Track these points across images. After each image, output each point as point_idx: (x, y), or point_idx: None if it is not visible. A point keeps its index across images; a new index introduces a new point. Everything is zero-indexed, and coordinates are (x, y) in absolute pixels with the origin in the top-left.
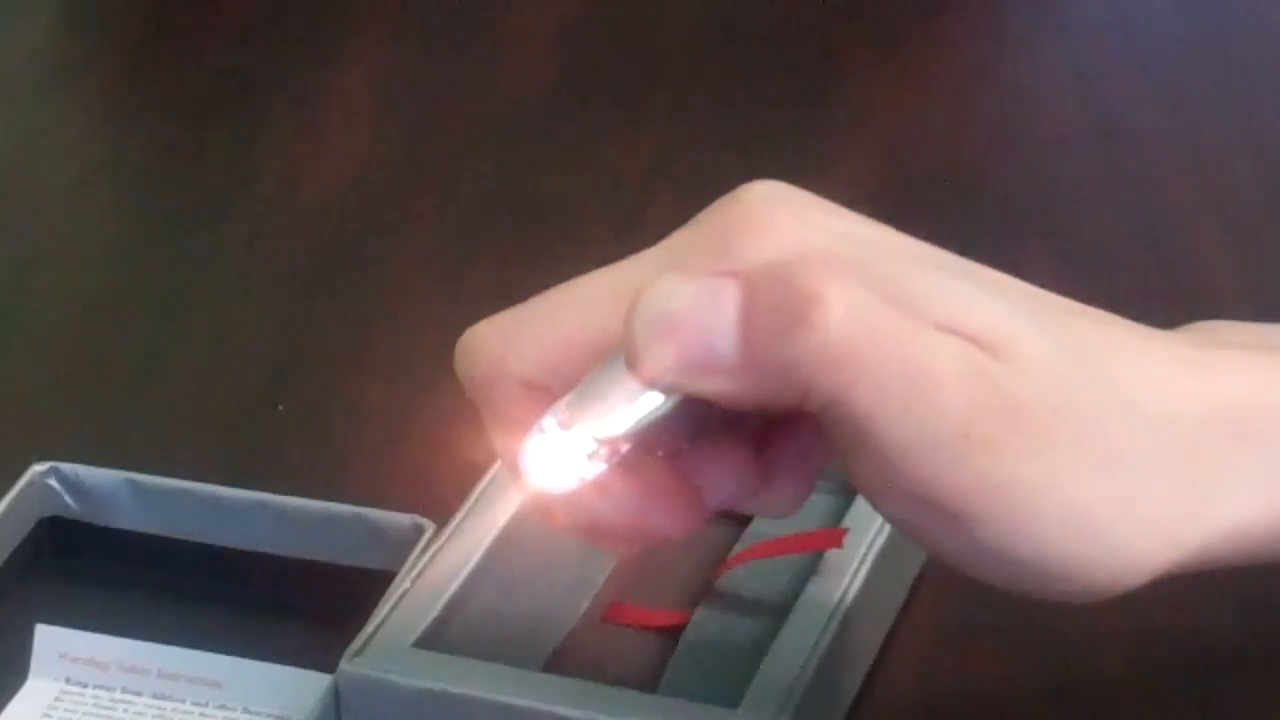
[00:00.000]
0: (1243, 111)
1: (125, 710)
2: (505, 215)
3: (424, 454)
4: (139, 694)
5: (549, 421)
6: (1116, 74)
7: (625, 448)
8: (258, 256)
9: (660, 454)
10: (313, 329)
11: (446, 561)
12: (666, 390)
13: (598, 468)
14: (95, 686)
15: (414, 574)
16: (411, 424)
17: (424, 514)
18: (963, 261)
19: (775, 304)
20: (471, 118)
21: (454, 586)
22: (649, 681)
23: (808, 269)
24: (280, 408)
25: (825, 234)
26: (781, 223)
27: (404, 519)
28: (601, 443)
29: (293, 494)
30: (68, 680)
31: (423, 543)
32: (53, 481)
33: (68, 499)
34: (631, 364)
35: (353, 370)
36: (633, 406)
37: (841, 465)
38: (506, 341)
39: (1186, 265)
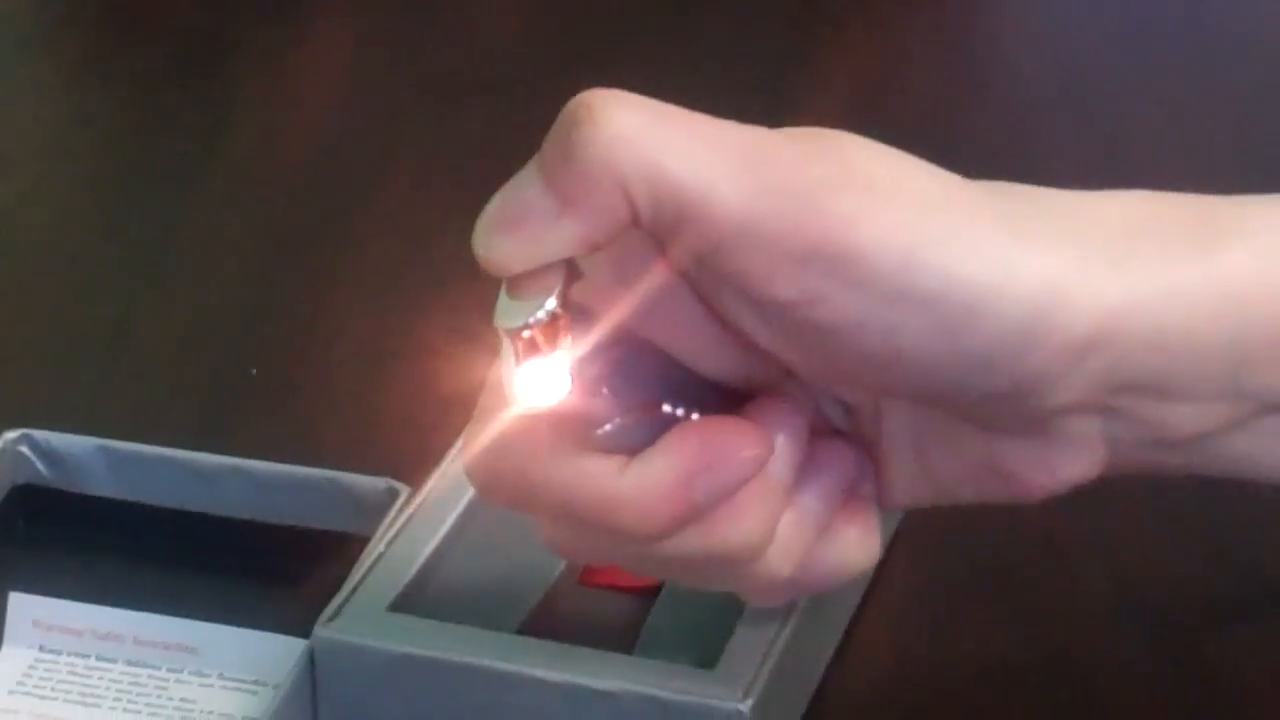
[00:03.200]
0: (1217, 71)
1: (100, 677)
2: (479, 176)
3: (397, 418)
4: (114, 661)
5: (506, 355)
6: (1091, 31)
7: (566, 325)
8: (230, 220)
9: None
10: (286, 292)
11: (421, 525)
12: (531, 272)
13: (569, 363)
14: (70, 654)
15: (388, 538)
16: (385, 388)
17: (398, 478)
18: None
19: (559, 131)
20: (444, 76)
21: (428, 550)
22: (625, 643)
23: (587, 91)
24: (254, 372)
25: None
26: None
27: (378, 483)
28: (532, 329)
29: (266, 459)
30: (42, 648)
31: (397, 506)
32: (25, 449)
33: (40, 466)
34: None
35: (326, 334)
36: (535, 297)
37: (722, 273)
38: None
39: None
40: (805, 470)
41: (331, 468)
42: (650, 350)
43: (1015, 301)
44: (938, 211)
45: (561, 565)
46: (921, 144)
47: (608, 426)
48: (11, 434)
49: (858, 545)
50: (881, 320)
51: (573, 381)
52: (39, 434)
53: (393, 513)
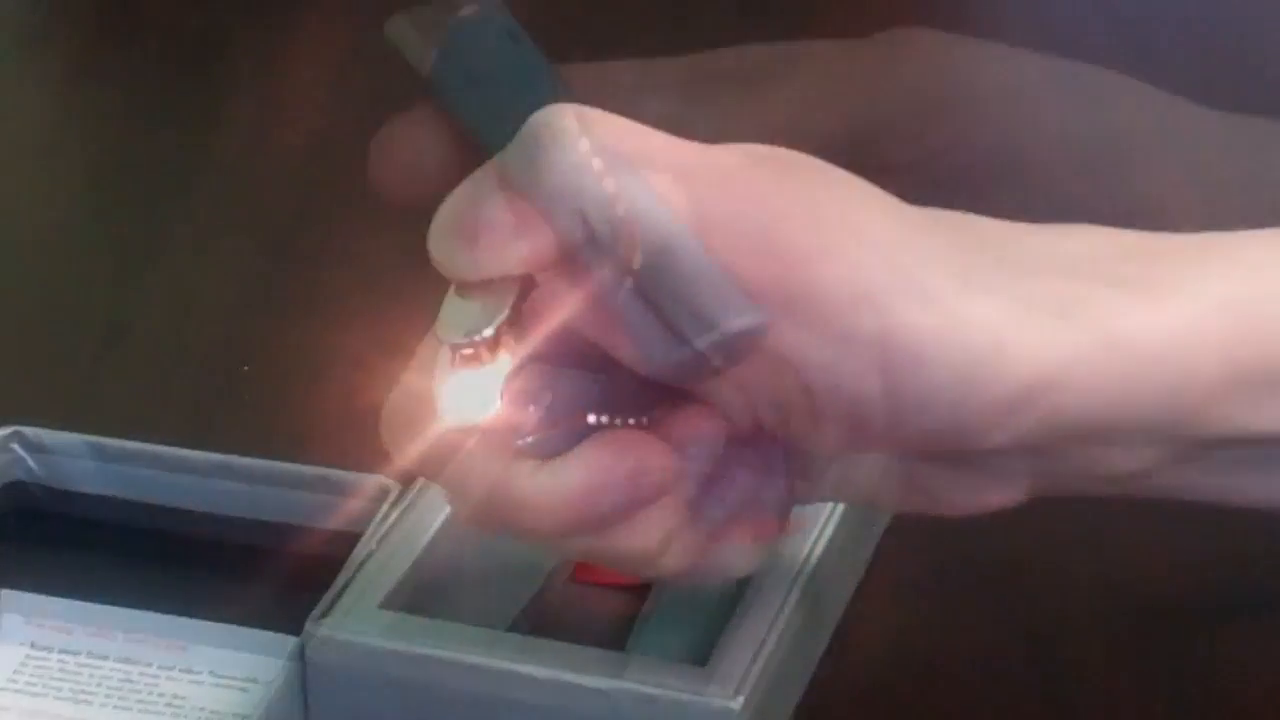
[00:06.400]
0: (1212, 71)
1: (91, 674)
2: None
3: None
4: (105, 658)
5: (441, 364)
6: (1086, 31)
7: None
8: (222, 217)
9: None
10: (278, 289)
11: (412, 522)
12: (485, 281)
13: (501, 380)
14: (61, 651)
15: (380, 535)
16: (376, 385)
17: (389, 475)
18: None
19: (523, 150)
20: None
21: (420, 547)
22: (617, 640)
23: (552, 109)
24: (246, 369)
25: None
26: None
27: (370, 480)
28: (475, 345)
29: (257, 456)
30: (33, 645)
31: (388, 503)
32: (15, 446)
33: (31, 463)
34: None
35: (317, 331)
36: (485, 306)
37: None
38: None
39: (1153, 224)
40: (713, 479)
41: (323, 465)
42: (580, 354)
43: (957, 350)
44: (891, 255)
45: (554, 562)
46: None
47: (529, 439)
48: (2, 431)
49: (748, 554)
50: (824, 357)
51: (502, 398)
52: (30, 431)
53: (384, 510)
